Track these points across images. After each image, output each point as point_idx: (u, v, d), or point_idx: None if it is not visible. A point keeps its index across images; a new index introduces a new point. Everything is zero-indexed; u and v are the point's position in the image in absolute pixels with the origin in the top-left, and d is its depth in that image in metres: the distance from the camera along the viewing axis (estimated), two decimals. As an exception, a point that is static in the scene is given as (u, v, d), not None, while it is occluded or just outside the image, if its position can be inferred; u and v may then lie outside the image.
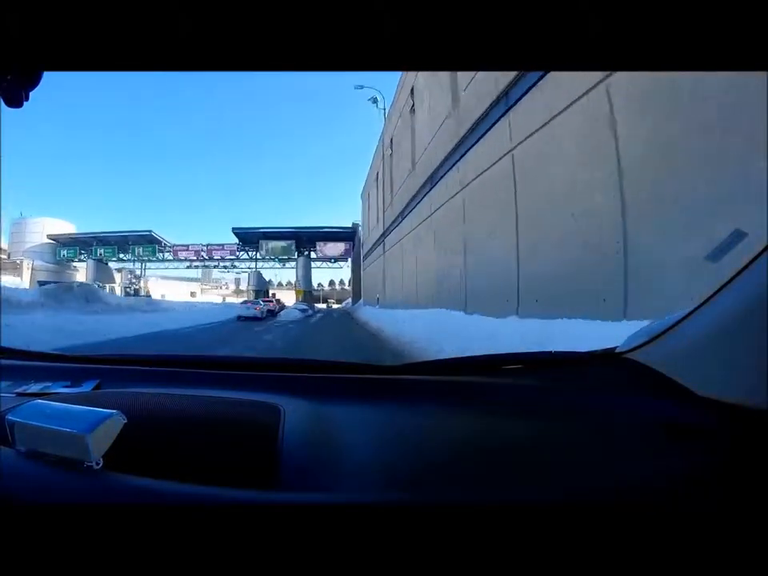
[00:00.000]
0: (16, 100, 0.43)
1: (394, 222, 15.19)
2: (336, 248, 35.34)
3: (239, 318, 15.79)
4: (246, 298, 27.57)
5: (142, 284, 39.56)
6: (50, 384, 0.73)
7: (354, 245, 33.79)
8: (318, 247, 35.50)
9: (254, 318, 15.90)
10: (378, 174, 19.77)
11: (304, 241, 34.98)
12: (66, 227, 39.97)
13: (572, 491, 0.43)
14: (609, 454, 0.51)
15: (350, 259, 35.54)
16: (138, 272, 39.50)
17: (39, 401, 0.46)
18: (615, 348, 0.67)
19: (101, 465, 0.40)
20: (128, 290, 37.43)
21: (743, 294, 0.49)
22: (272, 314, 19.05)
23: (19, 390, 0.70)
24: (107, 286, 35.86)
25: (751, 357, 0.45)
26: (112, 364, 0.87)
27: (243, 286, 44.66)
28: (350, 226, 33.85)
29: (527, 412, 0.63)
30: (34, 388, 0.72)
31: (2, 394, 0.64)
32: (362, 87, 19.96)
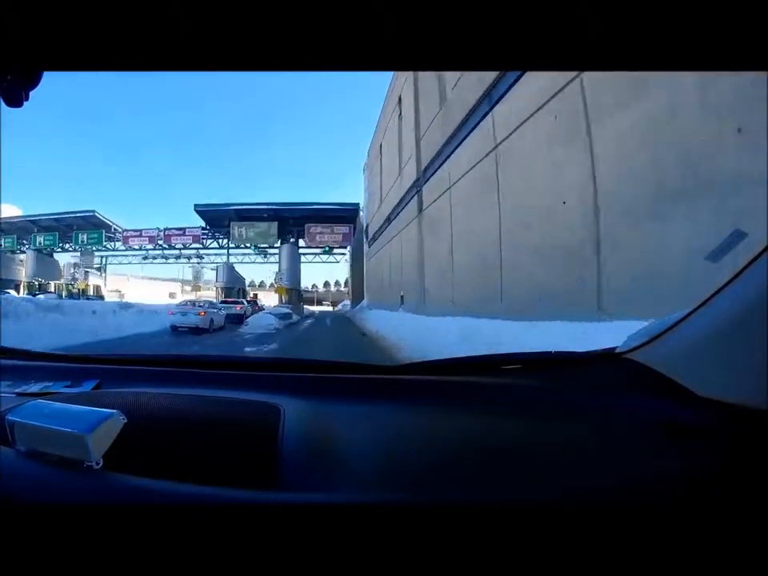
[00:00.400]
0: (16, 100, 0.43)
1: (448, 143, 8.98)
2: (332, 232, 26.34)
3: (173, 328, 10.41)
4: (191, 300, 15.84)
5: (90, 281, 31.08)
6: (50, 384, 0.73)
7: (354, 230, 26.31)
8: (307, 232, 26.25)
9: (198, 330, 10.23)
10: (400, 97, 14.58)
11: (289, 223, 26.18)
12: (10, 211, 31.33)
13: (572, 491, 0.43)
14: (609, 454, 0.51)
15: (348, 247, 27.62)
16: (83, 267, 30.91)
17: (39, 401, 0.47)
18: (615, 348, 0.67)
19: (101, 465, 0.40)
20: (71, 287, 29.43)
21: (743, 294, 0.49)
22: (239, 320, 13.51)
23: (19, 390, 0.70)
24: (52, 283, 29.54)
25: (751, 357, 0.45)
26: (112, 364, 0.87)
27: (210, 281, 33.68)
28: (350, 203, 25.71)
29: (527, 412, 0.63)
30: (34, 388, 0.72)
31: (2, 394, 0.64)
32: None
